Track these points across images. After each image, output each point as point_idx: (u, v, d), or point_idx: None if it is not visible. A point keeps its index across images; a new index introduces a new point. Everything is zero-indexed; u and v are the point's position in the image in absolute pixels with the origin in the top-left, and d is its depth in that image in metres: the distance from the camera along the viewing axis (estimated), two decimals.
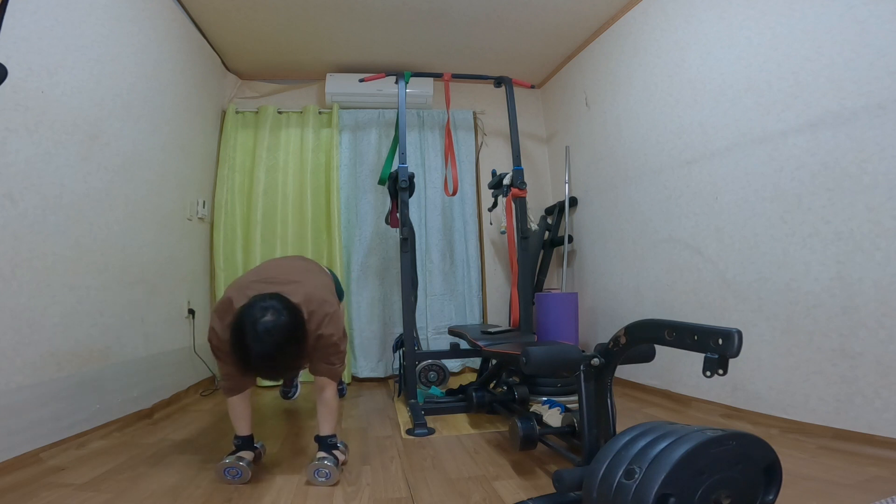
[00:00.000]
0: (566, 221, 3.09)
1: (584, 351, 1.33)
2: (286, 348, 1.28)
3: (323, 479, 1.39)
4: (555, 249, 3.25)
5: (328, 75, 3.21)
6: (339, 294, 2.03)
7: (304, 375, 2.88)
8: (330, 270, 2.04)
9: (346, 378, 2.99)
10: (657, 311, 2.36)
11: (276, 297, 1.34)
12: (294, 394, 2.55)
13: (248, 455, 1.47)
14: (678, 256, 2.25)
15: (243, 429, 1.52)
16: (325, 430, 1.50)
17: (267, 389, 2.78)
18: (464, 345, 2.44)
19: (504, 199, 2.66)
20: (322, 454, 1.44)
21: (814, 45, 1.66)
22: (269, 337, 1.24)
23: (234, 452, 1.47)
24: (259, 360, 1.25)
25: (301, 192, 3.12)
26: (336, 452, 1.48)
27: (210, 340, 1.47)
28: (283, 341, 1.27)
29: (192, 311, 2.61)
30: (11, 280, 1.46)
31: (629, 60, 2.60)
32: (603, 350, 1.28)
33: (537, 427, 1.47)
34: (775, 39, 1.79)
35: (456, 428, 1.97)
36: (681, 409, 2.13)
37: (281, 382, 2.58)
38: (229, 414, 1.53)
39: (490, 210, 3.00)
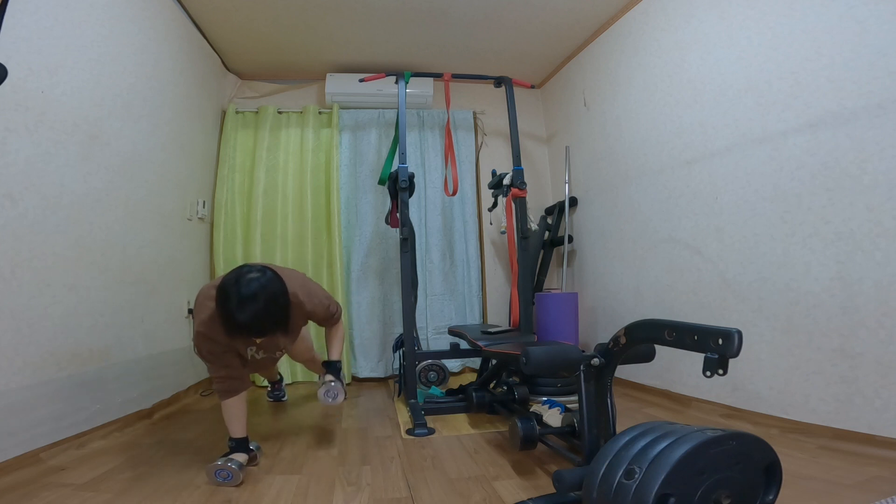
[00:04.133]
0: (566, 221, 3.09)
1: (584, 351, 1.33)
2: (270, 301, 1.33)
3: (331, 400, 1.58)
4: (555, 249, 3.25)
5: (328, 75, 3.21)
6: None
7: (290, 377, 2.91)
8: None
9: (346, 378, 2.99)
10: (657, 311, 2.36)
11: (262, 265, 1.44)
12: (282, 396, 2.56)
13: (240, 457, 1.46)
14: (678, 256, 2.25)
15: (237, 430, 1.51)
16: (335, 355, 1.71)
17: (263, 389, 2.78)
18: (464, 345, 2.44)
19: (504, 199, 2.66)
20: (330, 377, 1.63)
21: (814, 45, 1.66)
22: (254, 286, 1.31)
23: (226, 454, 1.46)
24: (244, 312, 1.28)
25: (301, 192, 3.12)
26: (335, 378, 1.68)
27: (197, 344, 1.48)
28: (268, 295, 1.33)
29: (192, 311, 2.60)
30: (11, 280, 1.46)
31: (629, 60, 2.60)
32: (603, 350, 1.28)
33: (537, 427, 1.47)
34: (775, 39, 1.79)
35: (456, 428, 1.97)
36: (681, 409, 2.13)
37: (270, 387, 2.58)
38: (224, 415, 1.52)
39: (490, 210, 3.00)
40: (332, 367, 1.71)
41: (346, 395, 1.68)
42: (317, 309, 1.67)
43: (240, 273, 1.35)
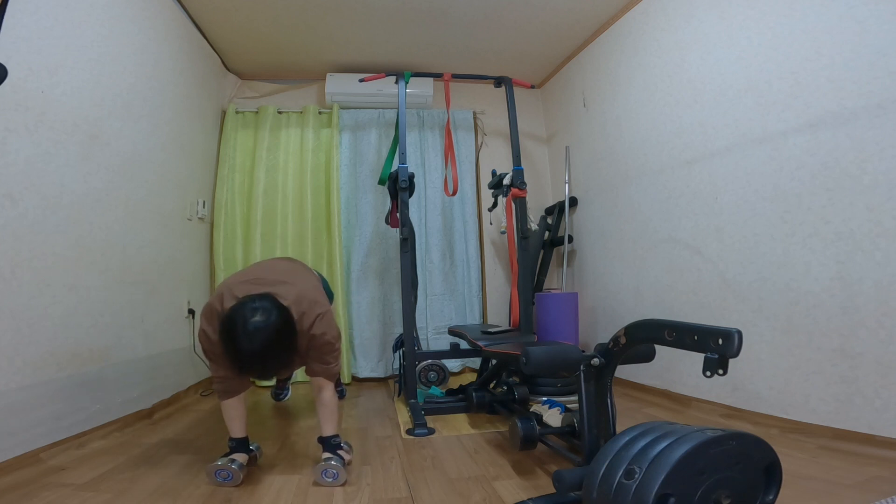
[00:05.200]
0: (566, 221, 3.09)
1: (584, 351, 1.33)
2: (277, 348, 1.28)
3: (331, 480, 1.39)
4: (555, 249, 3.25)
5: (328, 75, 3.21)
6: (329, 295, 2.02)
7: (297, 377, 2.90)
8: (318, 272, 2.03)
9: (346, 378, 2.99)
10: (657, 311, 2.36)
11: (266, 297, 1.34)
12: (285, 396, 2.56)
13: (240, 457, 1.45)
14: (678, 256, 2.25)
15: (237, 431, 1.50)
16: (328, 431, 1.50)
17: (264, 389, 2.78)
18: (464, 345, 2.44)
19: (504, 199, 2.66)
20: (328, 455, 1.45)
21: (814, 45, 1.66)
22: (259, 336, 1.25)
23: (227, 454, 1.46)
24: (250, 361, 1.26)
25: (301, 192, 3.12)
26: (341, 452, 1.48)
27: (201, 343, 1.47)
28: (273, 341, 1.27)
29: (192, 311, 2.61)
30: (11, 280, 1.46)
31: (629, 60, 2.60)
32: (603, 350, 1.28)
33: (537, 427, 1.47)
34: (775, 39, 1.79)
35: (456, 428, 1.97)
36: (681, 409, 2.13)
37: (274, 383, 2.58)
38: (223, 415, 1.51)
39: (490, 210, 3.00)
40: (328, 444, 1.49)
41: (346, 472, 1.44)
42: (312, 330, 1.46)
43: (245, 317, 1.26)
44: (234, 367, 1.30)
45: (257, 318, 1.26)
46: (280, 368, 1.36)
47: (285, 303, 1.37)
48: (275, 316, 1.30)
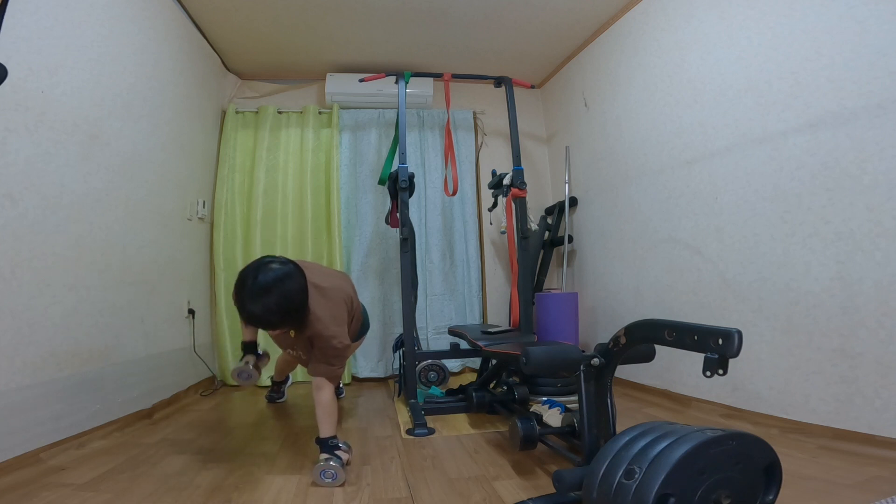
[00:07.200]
0: (566, 221, 3.09)
1: (584, 351, 1.33)
2: (280, 293, 1.38)
3: (329, 480, 1.39)
4: (555, 249, 3.25)
5: (328, 75, 3.21)
6: (365, 326, 2.13)
7: (294, 376, 2.89)
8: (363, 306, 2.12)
9: (346, 378, 2.99)
10: (657, 311, 2.36)
11: (292, 262, 1.48)
12: (279, 398, 2.54)
13: (250, 358, 1.89)
14: (678, 256, 2.25)
15: (247, 336, 1.93)
16: (325, 432, 1.51)
17: (263, 389, 2.78)
18: (464, 345, 2.44)
19: (504, 199, 2.66)
20: (325, 455, 1.45)
21: (814, 45, 1.66)
22: (268, 275, 1.38)
23: (241, 358, 1.89)
24: (252, 295, 1.37)
25: (301, 192, 3.12)
26: (339, 452, 1.48)
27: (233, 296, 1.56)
28: (281, 287, 1.38)
29: (192, 311, 2.61)
30: (11, 280, 1.46)
31: (629, 60, 2.60)
32: (603, 350, 1.28)
33: (537, 427, 1.47)
34: (775, 39, 1.79)
35: (456, 428, 1.97)
36: (681, 409, 2.13)
37: (271, 386, 2.58)
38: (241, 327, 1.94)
39: (490, 210, 3.00)
40: (325, 445, 1.48)
41: (345, 472, 1.44)
42: (320, 326, 1.52)
43: (263, 261, 1.43)
44: (240, 312, 1.42)
45: (275, 264, 1.43)
46: (279, 320, 1.42)
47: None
48: (292, 267, 1.44)
